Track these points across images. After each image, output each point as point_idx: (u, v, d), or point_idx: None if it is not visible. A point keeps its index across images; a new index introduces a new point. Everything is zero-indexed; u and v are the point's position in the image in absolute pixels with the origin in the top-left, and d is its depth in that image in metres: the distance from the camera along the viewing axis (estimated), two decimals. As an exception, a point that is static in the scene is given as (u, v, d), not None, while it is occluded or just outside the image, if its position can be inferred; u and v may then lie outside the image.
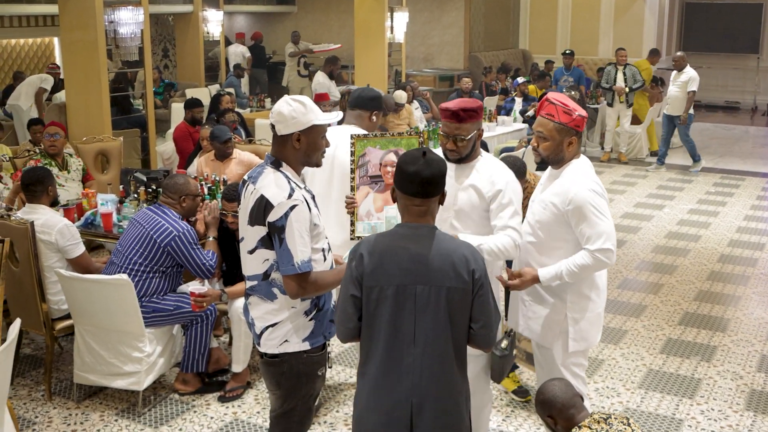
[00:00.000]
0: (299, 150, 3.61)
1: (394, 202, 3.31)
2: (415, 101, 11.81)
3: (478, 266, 3.16)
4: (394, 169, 3.28)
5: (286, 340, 3.66)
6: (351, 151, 4.32)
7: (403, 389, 3.16)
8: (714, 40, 20.09)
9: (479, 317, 3.18)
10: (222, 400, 5.44)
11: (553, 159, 4.08)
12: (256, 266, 3.63)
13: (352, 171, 4.27)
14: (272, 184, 3.55)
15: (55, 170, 7.43)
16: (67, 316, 5.51)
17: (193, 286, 5.14)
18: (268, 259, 3.59)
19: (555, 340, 4.14)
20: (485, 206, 4.08)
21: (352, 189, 4.28)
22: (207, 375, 5.65)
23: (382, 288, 3.14)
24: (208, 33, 15.98)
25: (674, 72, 12.85)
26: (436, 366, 3.16)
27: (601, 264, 3.93)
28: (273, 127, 3.62)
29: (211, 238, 5.62)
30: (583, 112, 4.04)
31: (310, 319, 3.69)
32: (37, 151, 7.80)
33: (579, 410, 3.57)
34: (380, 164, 4.33)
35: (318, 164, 3.76)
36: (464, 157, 4.10)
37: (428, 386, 3.16)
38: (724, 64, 20.34)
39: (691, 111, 12.82)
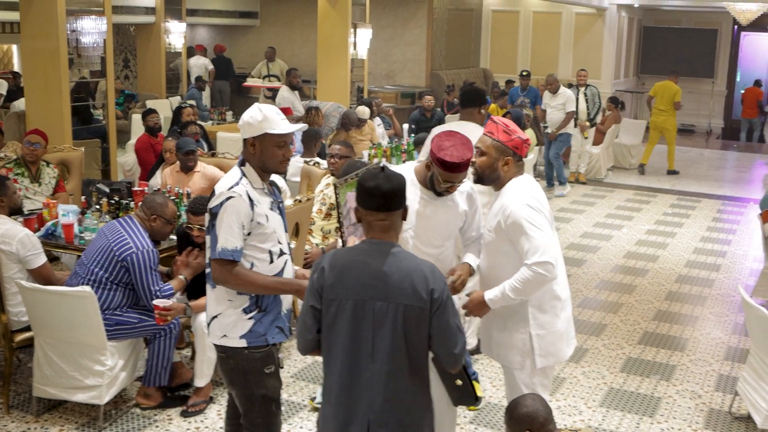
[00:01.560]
0: (255, 155, 3.82)
1: (358, 221, 3.35)
2: (377, 118, 11.84)
3: (437, 286, 3.19)
4: None
5: (225, 335, 3.84)
6: (337, 202, 4.26)
7: (361, 406, 3.18)
8: (671, 64, 20.43)
9: (437, 336, 3.19)
10: (184, 414, 5.39)
11: (488, 177, 4.14)
12: (207, 252, 3.83)
13: (341, 225, 4.21)
14: (225, 177, 3.86)
15: (25, 181, 7.29)
16: (27, 328, 5.41)
17: (158, 299, 5.08)
18: (209, 245, 3.80)
19: (524, 359, 4.14)
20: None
21: (344, 244, 4.17)
22: (169, 389, 5.59)
23: (341, 302, 3.18)
24: (169, 44, 15.88)
25: (549, 94, 12.93)
26: (393, 382, 3.18)
27: (541, 277, 3.91)
28: None
29: (181, 277, 5.44)
30: (524, 136, 4.12)
31: (249, 318, 3.82)
32: (5, 156, 7.63)
33: (555, 425, 3.59)
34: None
35: (277, 171, 3.93)
36: None
37: (385, 403, 3.17)
38: (680, 87, 20.69)
39: (570, 131, 12.88)
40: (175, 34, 15.96)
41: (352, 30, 13.47)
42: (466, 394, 3.85)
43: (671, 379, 6.28)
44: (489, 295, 4.00)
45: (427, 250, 4.16)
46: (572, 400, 5.85)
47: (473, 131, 5.56)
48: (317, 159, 8.37)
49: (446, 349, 3.21)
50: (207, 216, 3.83)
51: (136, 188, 7.16)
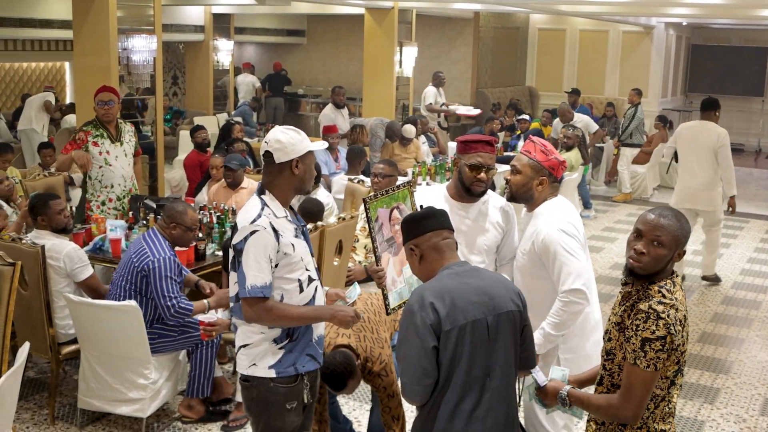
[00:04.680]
0: (297, 176, 3.67)
1: (420, 259, 3.34)
2: (422, 136, 11.88)
3: (517, 288, 3.36)
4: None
5: (254, 364, 3.69)
6: (367, 217, 4.06)
7: (486, 427, 3.14)
8: (719, 82, 20.22)
9: (525, 338, 3.29)
10: (225, 429, 5.44)
11: (521, 195, 4.15)
12: (232, 288, 3.68)
13: (374, 240, 4.08)
14: (245, 209, 3.67)
15: (106, 143, 7.19)
16: (73, 341, 5.52)
17: (203, 315, 5.15)
18: (237, 282, 3.63)
19: None
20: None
21: (378, 260, 4.06)
22: (211, 404, 5.65)
23: (460, 327, 3.13)
24: (217, 62, 16.12)
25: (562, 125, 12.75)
26: (508, 395, 3.22)
27: (575, 306, 3.91)
28: (268, 155, 3.66)
29: (206, 302, 5.35)
30: (561, 158, 4.14)
31: (280, 348, 3.68)
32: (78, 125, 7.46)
33: (674, 245, 3.12)
34: (390, 224, 4.17)
35: (309, 191, 3.88)
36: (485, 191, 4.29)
37: (507, 418, 3.20)
38: (728, 106, 20.36)
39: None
40: (223, 51, 16.21)
41: (397, 48, 13.58)
42: None
43: (715, 402, 6.19)
44: (537, 343, 3.95)
45: None
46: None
47: (712, 127, 8.34)
48: (361, 177, 8.44)
49: (530, 348, 3.33)
50: (231, 252, 3.65)
51: (182, 204, 7.26)
